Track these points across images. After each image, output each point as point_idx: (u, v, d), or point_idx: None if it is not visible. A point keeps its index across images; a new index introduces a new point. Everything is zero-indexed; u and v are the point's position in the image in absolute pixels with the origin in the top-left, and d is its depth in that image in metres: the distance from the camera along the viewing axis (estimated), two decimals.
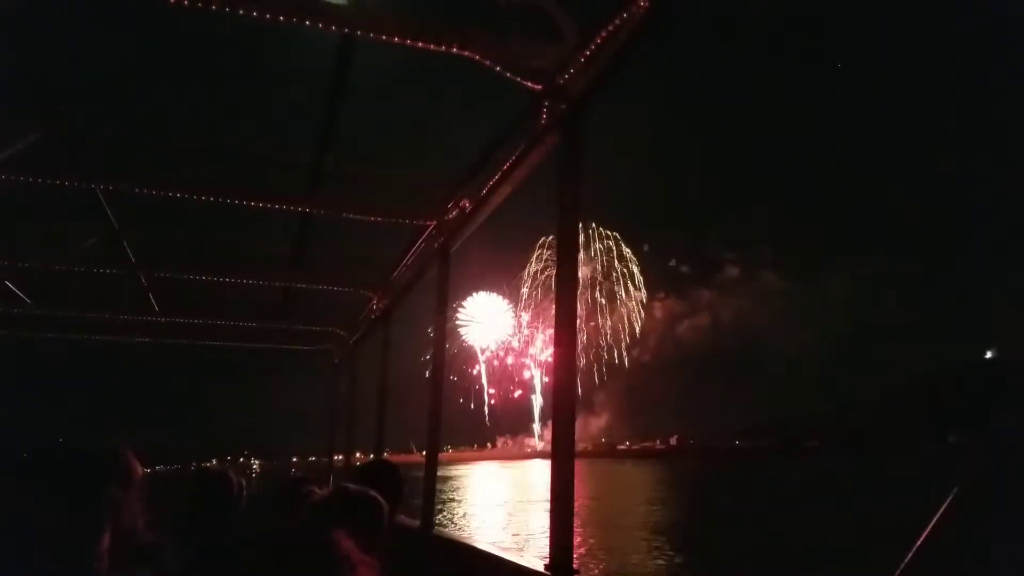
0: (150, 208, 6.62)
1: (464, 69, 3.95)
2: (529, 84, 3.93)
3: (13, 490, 1.43)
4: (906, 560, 1.54)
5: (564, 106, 3.89)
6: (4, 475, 1.48)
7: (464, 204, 5.79)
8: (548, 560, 3.53)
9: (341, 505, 2.68)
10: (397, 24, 3.71)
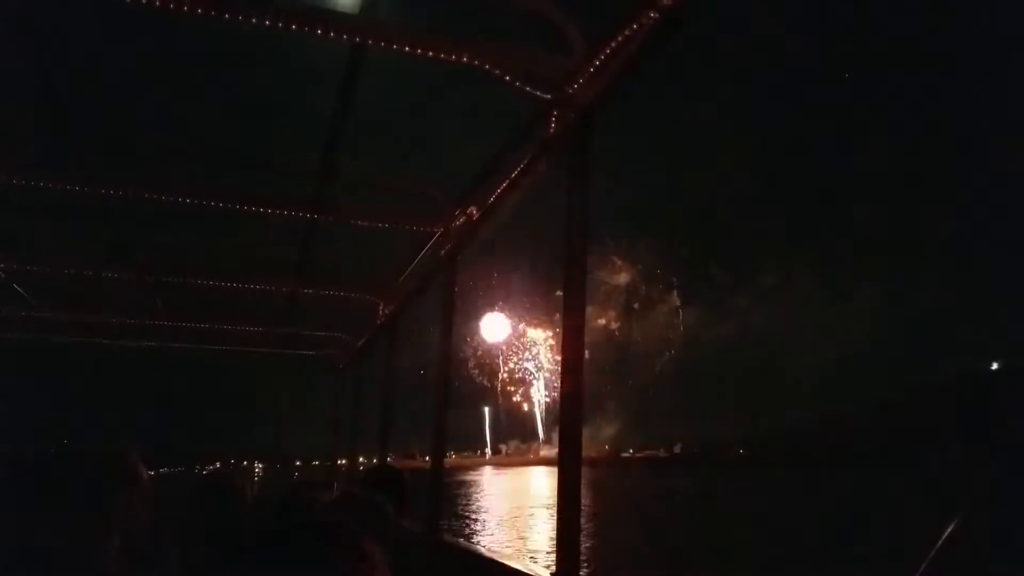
0: (157, 212, 6.66)
1: (473, 77, 3.97)
2: (538, 93, 3.95)
3: (18, 493, 1.44)
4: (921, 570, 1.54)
5: (573, 115, 3.91)
6: (9, 478, 1.48)
7: (471, 211, 5.80)
8: (555, 568, 3.53)
9: (347, 509, 2.69)
10: (407, 34, 3.74)
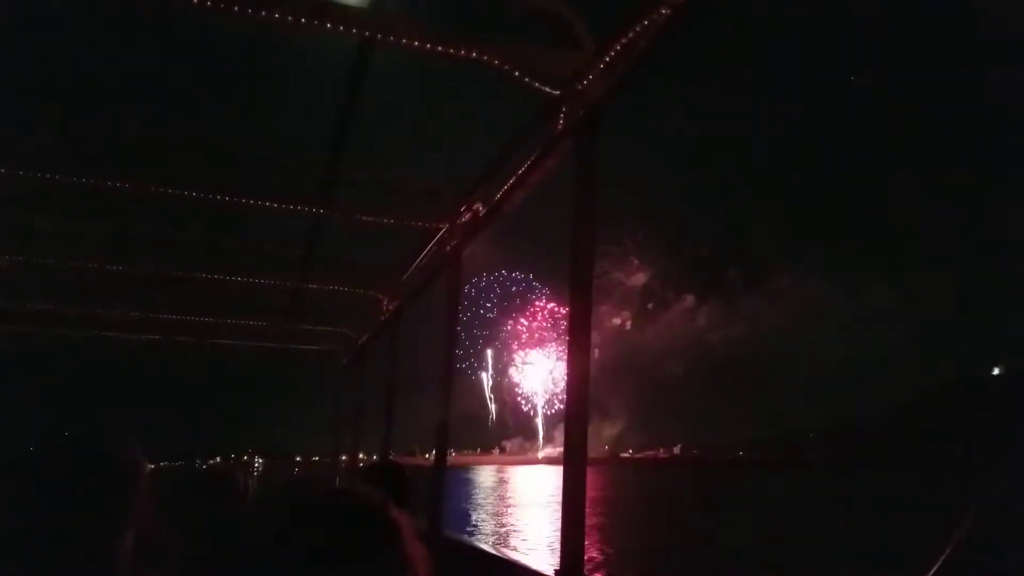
0: (162, 207, 6.65)
1: (482, 73, 3.95)
2: (547, 89, 3.94)
3: (21, 490, 1.42)
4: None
5: (582, 112, 3.88)
6: (13, 475, 1.47)
7: (477, 208, 5.79)
8: (559, 565, 3.52)
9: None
10: (416, 29, 3.73)
